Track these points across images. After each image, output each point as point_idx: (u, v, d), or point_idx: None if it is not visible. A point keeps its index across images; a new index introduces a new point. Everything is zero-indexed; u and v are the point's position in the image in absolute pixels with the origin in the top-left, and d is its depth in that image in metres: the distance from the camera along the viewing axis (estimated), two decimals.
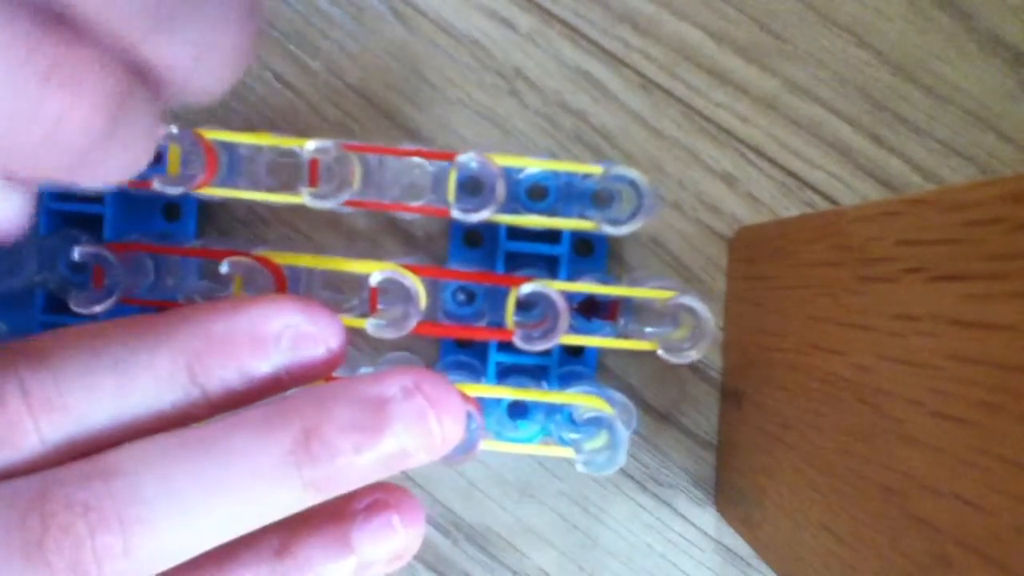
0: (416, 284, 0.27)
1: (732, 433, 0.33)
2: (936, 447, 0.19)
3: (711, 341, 0.28)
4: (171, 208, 0.35)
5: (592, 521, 0.35)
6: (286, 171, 0.31)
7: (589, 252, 0.35)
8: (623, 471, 0.35)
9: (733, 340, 0.34)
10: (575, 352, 0.35)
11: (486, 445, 0.29)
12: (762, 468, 0.30)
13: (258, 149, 0.30)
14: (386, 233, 0.35)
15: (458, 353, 0.35)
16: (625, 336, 0.30)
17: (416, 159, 0.30)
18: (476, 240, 0.35)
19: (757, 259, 0.32)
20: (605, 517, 0.35)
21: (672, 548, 0.35)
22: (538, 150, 0.35)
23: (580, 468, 0.29)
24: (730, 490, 0.33)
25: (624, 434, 0.28)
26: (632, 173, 0.28)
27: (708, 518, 0.35)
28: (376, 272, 0.27)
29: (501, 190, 0.28)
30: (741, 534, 0.33)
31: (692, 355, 0.28)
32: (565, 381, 0.32)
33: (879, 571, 0.21)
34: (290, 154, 0.30)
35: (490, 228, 0.34)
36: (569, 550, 0.35)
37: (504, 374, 0.33)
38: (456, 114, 0.35)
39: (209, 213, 0.35)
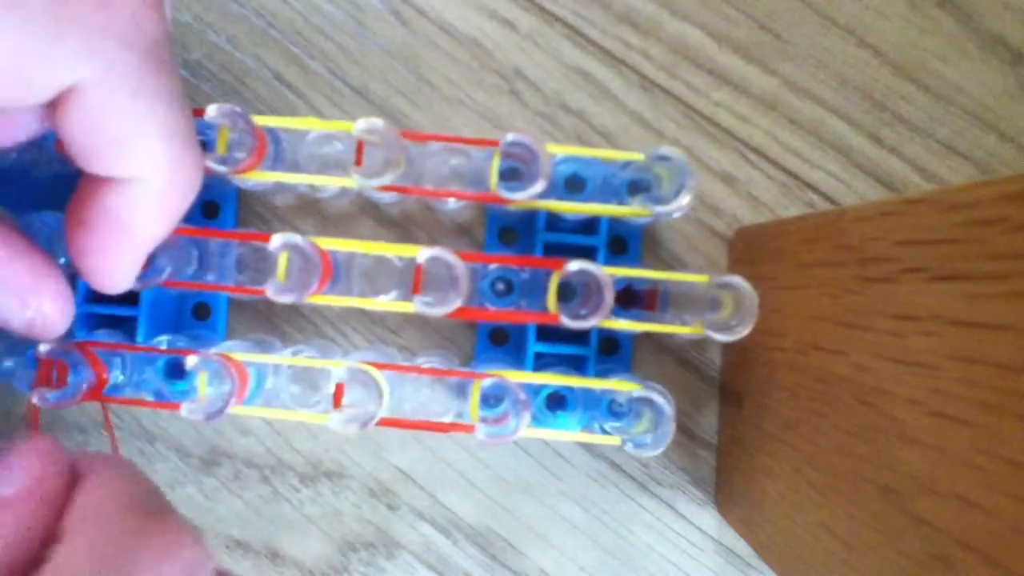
0: (459, 264, 0.27)
1: (732, 433, 0.33)
2: (936, 447, 0.19)
3: (755, 316, 0.27)
4: (209, 206, 0.35)
5: (592, 521, 0.35)
6: (328, 161, 0.31)
7: (623, 250, 0.35)
8: (623, 471, 0.35)
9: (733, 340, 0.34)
10: (610, 350, 0.35)
11: (528, 432, 0.29)
12: (762, 468, 0.30)
13: (300, 139, 0.30)
14: (424, 229, 0.35)
15: (493, 351, 0.35)
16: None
17: (458, 146, 0.30)
18: (511, 237, 0.35)
19: (757, 259, 0.32)
20: (605, 518, 0.35)
21: (672, 548, 0.35)
22: None
23: (630, 450, 0.28)
24: (730, 490, 0.33)
25: (668, 411, 0.28)
26: (668, 151, 0.28)
27: (708, 518, 0.35)
28: (423, 250, 0.27)
29: (547, 165, 0.27)
30: (741, 534, 0.33)
31: (741, 332, 0.27)
32: (601, 377, 0.32)
33: (879, 571, 0.21)
34: (332, 143, 0.30)
35: (525, 224, 0.34)
36: (569, 550, 0.35)
37: (542, 367, 0.33)
38: (456, 114, 0.35)
39: (247, 210, 0.35)
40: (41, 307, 0.24)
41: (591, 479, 0.35)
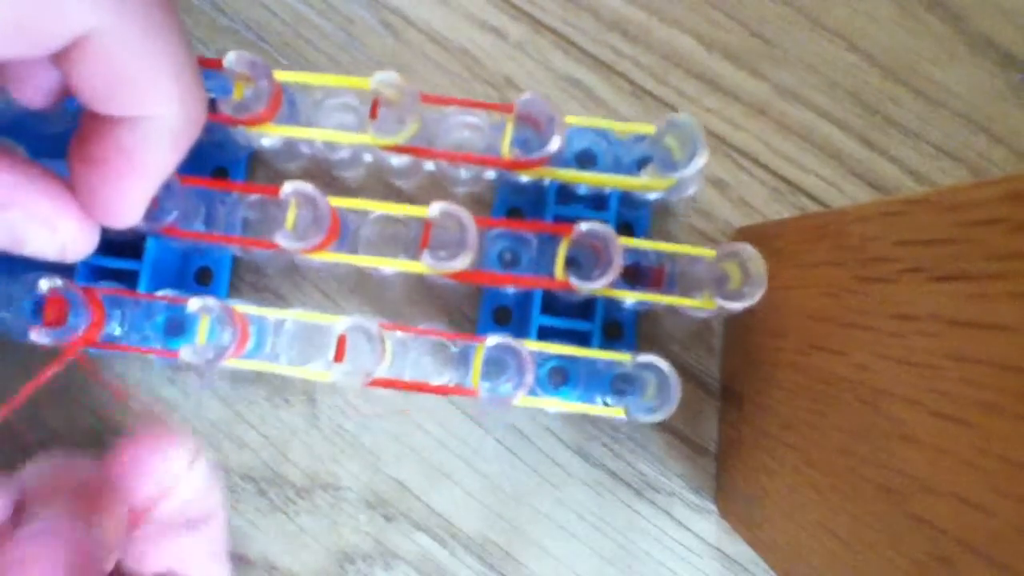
0: (469, 218, 0.27)
1: (732, 434, 0.33)
2: (936, 447, 0.19)
3: (765, 282, 0.27)
4: (220, 172, 0.35)
5: (590, 529, 0.35)
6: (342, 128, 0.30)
7: (630, 234, 0.35)
8: (620, 479, 0.35)
9: (733, 341, 0.34)
10: (614, 334, 0.35)
11: (531, 402, 0.29)
12: (762, 468, 0.30)
13: (316, 106, 0.30)
14: (432, 197, 0.35)
15: (496, 330, 0.35)
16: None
17: (472, 119, 0.30)
18: (520, 216, 0.35)
19: None
20: (603, 525, 0.35)
21: (670, 555, 0.35)
22: None
23: (640, 417, 0.28)
24: (731, 491, 0.33)
25: (672, 373, 0.28)
26: (678, 117, 0.28)
27: (706, 525, 0.35)
28: (434, 205, 0.27)
29: (561, 127, 0.27)
30: (742, 535, 0.33)
31: (753, 298, 0.27)
32: None
33: (879, 571, 0.22)
34: (347, 111, 0.30)
35: (534, 202, 0.34)
36: (567, 559, 0.35)
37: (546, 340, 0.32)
38: None
39: (257, 177, 0.35)
40: (70, 231, 0.23)
41: (588, 487, 0.35)
